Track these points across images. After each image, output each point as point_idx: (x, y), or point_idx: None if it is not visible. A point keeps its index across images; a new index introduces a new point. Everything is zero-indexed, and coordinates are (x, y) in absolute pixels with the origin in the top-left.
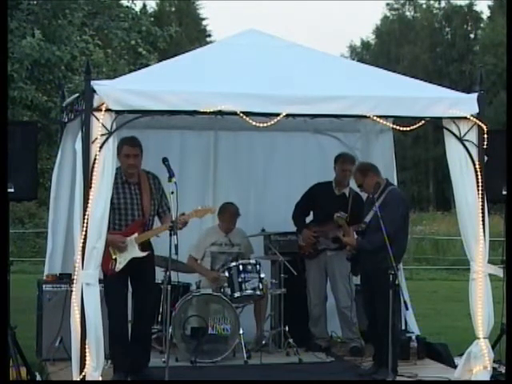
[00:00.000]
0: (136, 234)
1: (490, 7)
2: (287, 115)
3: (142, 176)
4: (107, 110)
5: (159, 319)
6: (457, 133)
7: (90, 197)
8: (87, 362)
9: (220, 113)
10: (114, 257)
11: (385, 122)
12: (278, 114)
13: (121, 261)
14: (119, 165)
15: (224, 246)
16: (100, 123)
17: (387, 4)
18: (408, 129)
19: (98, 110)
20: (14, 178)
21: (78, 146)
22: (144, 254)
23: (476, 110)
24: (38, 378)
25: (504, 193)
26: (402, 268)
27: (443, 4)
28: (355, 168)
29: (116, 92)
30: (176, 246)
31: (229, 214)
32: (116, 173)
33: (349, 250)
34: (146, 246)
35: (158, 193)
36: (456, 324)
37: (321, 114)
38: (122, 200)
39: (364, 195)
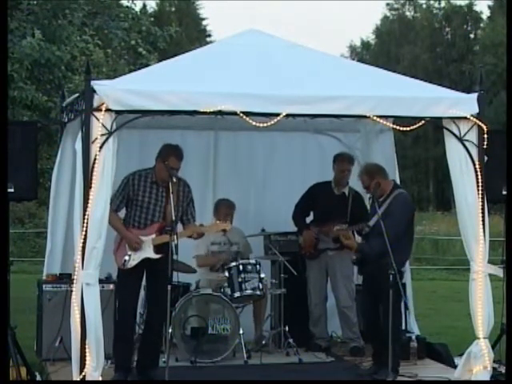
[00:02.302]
0: (153, 235)
1: (489, 7)
2: (287, 115)
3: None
4: (107, 110)
5: None
6: (457, 133)
7: (90, 197)
8: (87, 362)
9: (220, 113)
10: (128, 253)
11: (385, 122)
12: (278, 114)
13: (134, 258)
14: (134, 164)
15: (223, 245)
16: (100, 123)
17: (387, 4)
18: (408, 129)
19: (98, 110)
20: (13, 178)
21: (78, 146)
22: (157, 256)
23: (476, 109)
24: (38, 378)
25: (504, 193)
26: (408, 268)
27: (443, 4)
28: (362, 170)
29: (116, 92)
30: (176, 246)
31: (223, 207)
32: (148, 172)
33: (353, 253)
34: (161, 248)
35: (186, 201)
36: (456, 324)
37: (321, 114)
38: (147, 199)
39: (364, 194)
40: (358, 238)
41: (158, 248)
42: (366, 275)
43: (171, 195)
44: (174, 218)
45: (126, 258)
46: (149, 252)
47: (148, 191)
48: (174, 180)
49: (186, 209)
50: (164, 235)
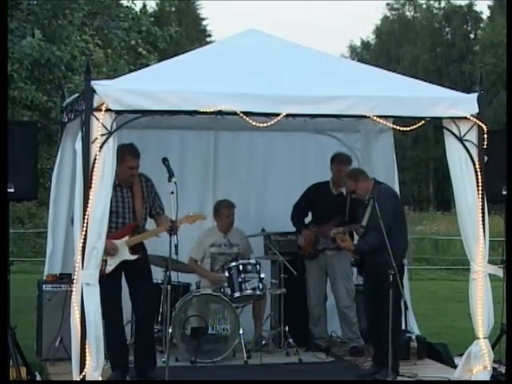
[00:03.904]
0: (127, 237)
1: (489, 7)
2: (287, 115)
3: (134, 180)
4: (107, 110)
5: (159, 319)
6: (457, 133)
7: (90, 197)
8: (87, 362)
9: (220, 113)
10: (104, 258)
11: (385, 122)
12: (278, 114)
13: (111, 263)
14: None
15: (223, 247)
16: (100, 123)
17: (387, 4)
18: (408, 129)
19: (98, 110)
20: (13, 178)
21: (78, 146)
22: (134, 257)
23: (476, 109)
24: (38, 378)
25: (504, 193)
26: (406, 267)
27: (443, 4)
28: (345, 176)
29: (116, 92)
30: (176, 246)
31: (224, 209)
32: None
33: (352, 255)
34: (137, 248)
35: (151, 195)
36: (456, 324)
37: (321, 114)
38: (114, 203)
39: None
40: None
41: (133, 249)
42: (366, 276)
43: (171, 195)
44: (173, 217)
45: (103, 264)
46: (125, 254)
47: (113, 195)
48: (174, 180)
49: (152, 203)
50: (138, 236)
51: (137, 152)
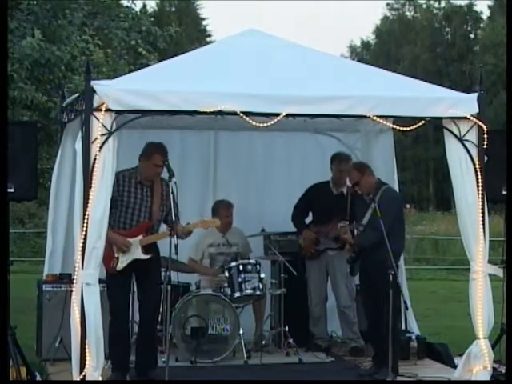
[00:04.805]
0: (141, 237)
1: (489, 7)
2: (287, 115)
3: (155, 180)
4: (107, 110)
5: (159, 319)
6: (457, 133)
7: (90, 197)
8: (87, 362)
9: (220, 113)
10: (116, 255)
11: (385, 122)
12: (278, 114)
13: (122, 260)
14: (134, 165)
15: (222, 247)
16: (100, 123)
17: (387, 4)
18: (408, 129)
19: (98, 110)
20: (13, 178)
21: (78, 146)
22: (146, 256)
23: (476, 109)
24: (38, 378)
25: (504, 193)
26: (403, 267)
27: (443, 4)
28: (351, 166)
29: (116, 92)
30: (176, 246)
31: (223, 209)
32: (131, 172)
33: (348, 249)
34: (149, 248)
35: (169, 199)
36: (456, 324)
37: (321, 114)
38: (132, 200)
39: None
40: None
41: (146, 248)
42: (363, 276)
43: (171, 195)
44: (173, 217)
45: (114, 260)
46: (137, 253)
47: (133, 191)
48: (174, 180)
49: (169, 208)
50: (151, 236)
51: (165, 151)
